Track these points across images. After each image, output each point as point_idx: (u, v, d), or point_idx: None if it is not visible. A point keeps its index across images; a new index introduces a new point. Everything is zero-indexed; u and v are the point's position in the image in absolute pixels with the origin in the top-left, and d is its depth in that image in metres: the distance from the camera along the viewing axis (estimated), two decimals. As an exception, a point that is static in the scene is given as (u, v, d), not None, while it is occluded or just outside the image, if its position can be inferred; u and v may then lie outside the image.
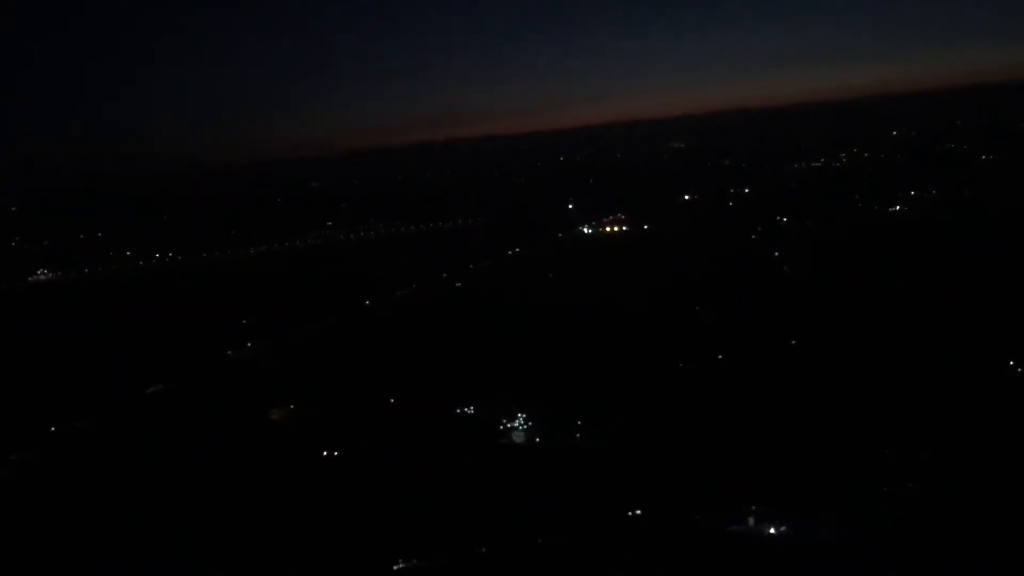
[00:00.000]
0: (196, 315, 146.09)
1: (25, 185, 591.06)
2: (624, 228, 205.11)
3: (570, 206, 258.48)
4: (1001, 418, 72.28)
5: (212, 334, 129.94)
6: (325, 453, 79.79)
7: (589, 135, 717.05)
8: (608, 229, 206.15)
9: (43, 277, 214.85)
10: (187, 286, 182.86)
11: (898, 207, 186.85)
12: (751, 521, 60.97)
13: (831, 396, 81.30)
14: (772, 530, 60.01)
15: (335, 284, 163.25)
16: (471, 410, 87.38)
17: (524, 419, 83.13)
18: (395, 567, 59.61)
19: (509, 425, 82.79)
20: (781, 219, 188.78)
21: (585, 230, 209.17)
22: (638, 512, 63.78)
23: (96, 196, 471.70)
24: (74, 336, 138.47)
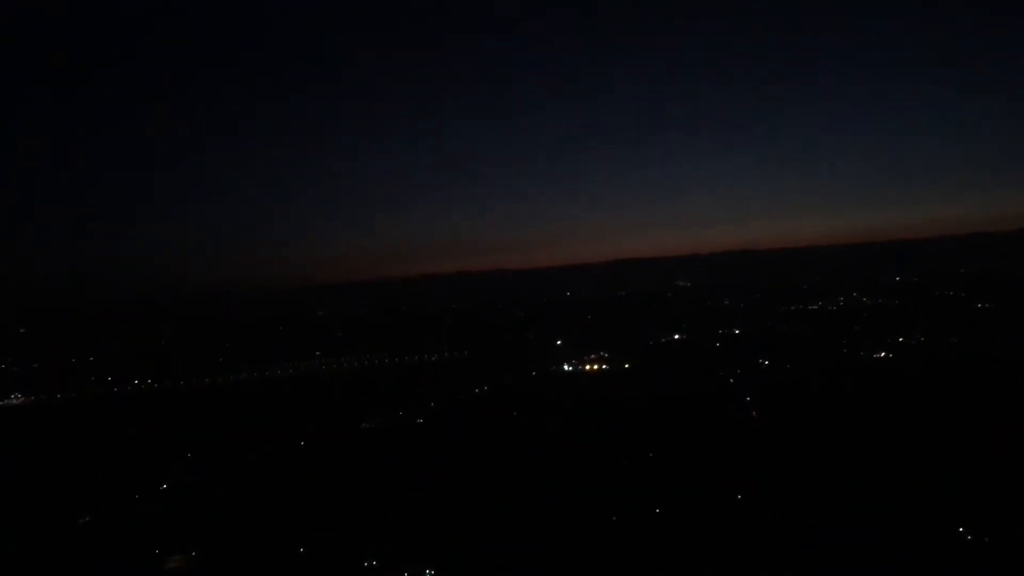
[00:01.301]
0: (143, 443, 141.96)
1: (34, 307, 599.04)
2: (604, 366, 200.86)
3: (559, 342, 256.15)
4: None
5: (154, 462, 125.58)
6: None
7: (600, 271, 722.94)
8: (588, 367, 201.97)
9: (15, 400, 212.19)
10: (139, 413, 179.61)
11: (882, 353, 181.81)
12: None
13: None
14: None
15: (294, 414, 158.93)
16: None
17: None
18: None
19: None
20: (763, 361, 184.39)
21: (566, 367, 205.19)
22: None
23: (99, 319, 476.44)
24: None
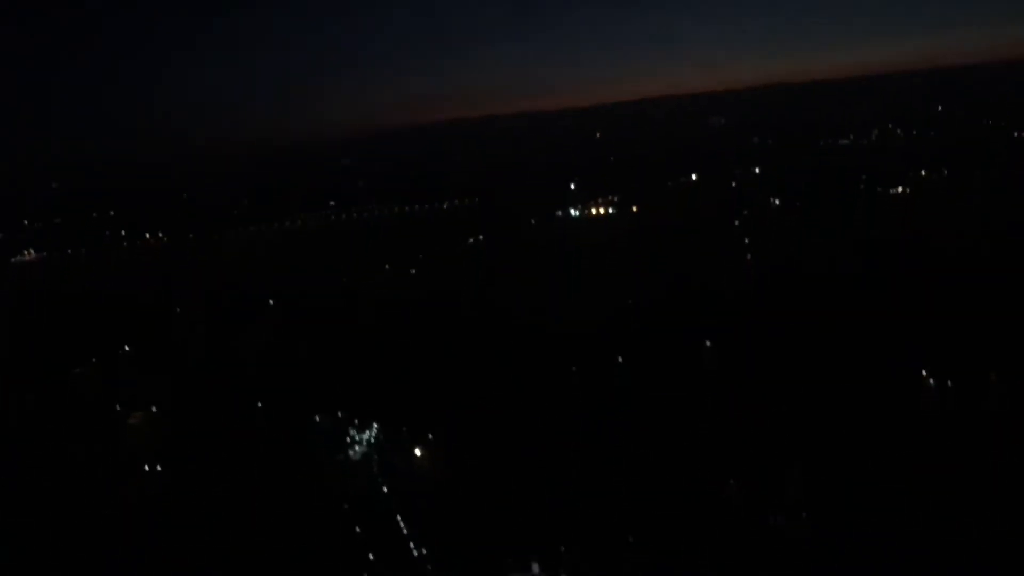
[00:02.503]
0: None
1: (68, 162, 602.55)
2: (610, 211, 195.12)
3: (572, 186, 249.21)
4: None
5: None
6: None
7: (631, 111, 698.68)
8: (594, 211, 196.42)
9: (27, 257, 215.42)
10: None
11: (900, 188, 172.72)
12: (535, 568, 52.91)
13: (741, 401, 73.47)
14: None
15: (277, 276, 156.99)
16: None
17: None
18: None
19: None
20: (774, 200, 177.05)
21: (572, 212, 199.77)
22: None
23: (126, 175, 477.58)
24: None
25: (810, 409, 70.93)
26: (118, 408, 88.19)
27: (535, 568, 51.73)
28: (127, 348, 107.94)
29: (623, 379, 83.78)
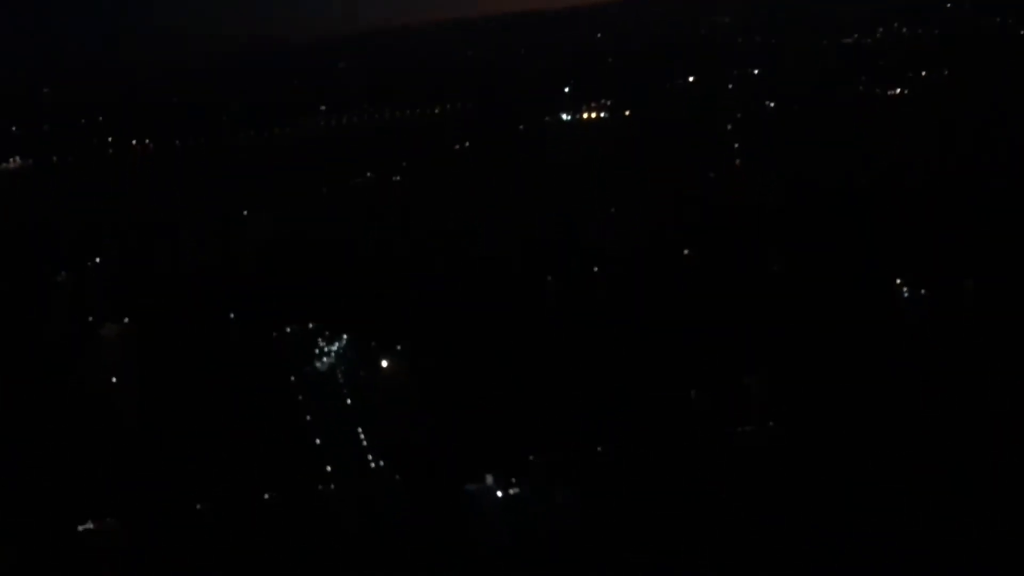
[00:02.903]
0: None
1: (60, 66, 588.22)
2: (602, 115, 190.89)
3: (566, 89, 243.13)
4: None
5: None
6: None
7: (637, 9, 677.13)
8: (585, 116, 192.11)
9: (11, 165, 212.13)
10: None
11: (898, 90, 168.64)
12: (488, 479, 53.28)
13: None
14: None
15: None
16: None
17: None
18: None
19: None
20: (769, 104, 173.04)
21: (564, 116, 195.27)
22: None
23: (117, 80, 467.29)
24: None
25: (779, 318, 70.66)
26: (90, 319, 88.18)
27: (489, 479, 52.12)
28: (100, 259, 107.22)
29: (598, 289, 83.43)
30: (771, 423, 58.49)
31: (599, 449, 57.56)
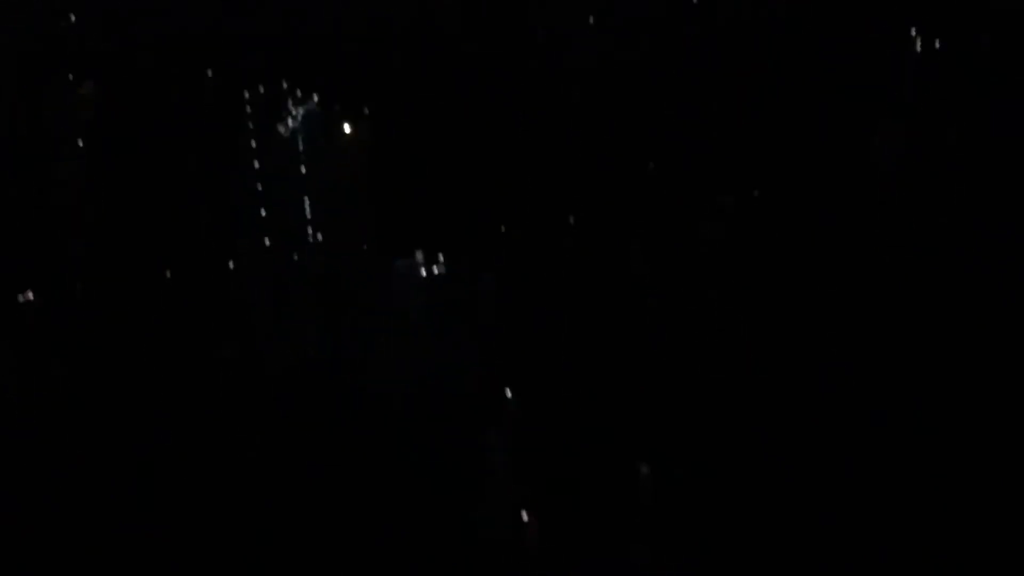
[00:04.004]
0: None
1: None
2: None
3: None
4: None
5: None
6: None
7: None
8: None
9: None
10: None
11: None
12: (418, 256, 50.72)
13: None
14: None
15: None
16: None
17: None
18: None
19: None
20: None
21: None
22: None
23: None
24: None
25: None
26: (70, 77, 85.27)
27: (419, 256, 50.04)
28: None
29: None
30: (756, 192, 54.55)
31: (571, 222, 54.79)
